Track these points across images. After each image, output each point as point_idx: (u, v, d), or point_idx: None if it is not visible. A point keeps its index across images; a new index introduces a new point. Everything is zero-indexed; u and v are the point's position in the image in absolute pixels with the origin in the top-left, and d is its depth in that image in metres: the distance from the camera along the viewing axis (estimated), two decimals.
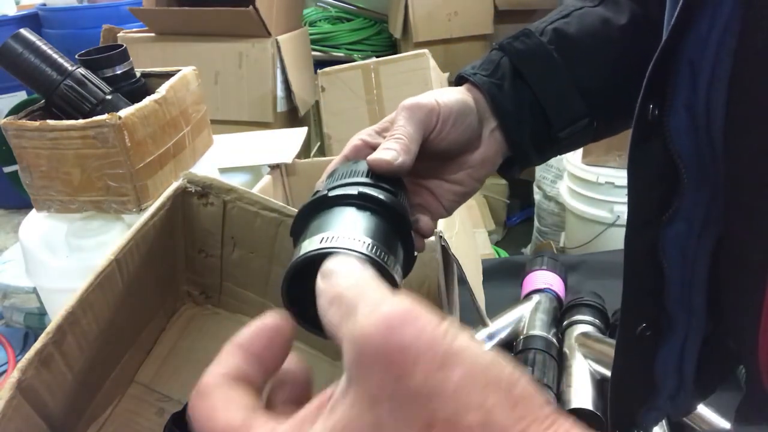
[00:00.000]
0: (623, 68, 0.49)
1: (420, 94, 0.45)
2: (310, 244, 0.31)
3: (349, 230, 0.32)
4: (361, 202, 0.35)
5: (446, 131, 0.45)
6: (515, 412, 0.19)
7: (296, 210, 0.57)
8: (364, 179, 0.38)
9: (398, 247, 0.35)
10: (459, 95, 0.47)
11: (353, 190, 0.35)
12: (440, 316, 0.20)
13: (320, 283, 0.23)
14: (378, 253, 0.31)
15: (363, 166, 0.40)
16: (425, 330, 0.19)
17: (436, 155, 0.46)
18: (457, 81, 0.51)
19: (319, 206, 0.35)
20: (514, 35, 0.51)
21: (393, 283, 0.31)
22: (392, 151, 0.40)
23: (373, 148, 0.44)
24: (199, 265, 0.64)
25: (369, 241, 0.31)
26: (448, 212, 0.48)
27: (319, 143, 2.02)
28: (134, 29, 1.85)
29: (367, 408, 0.20)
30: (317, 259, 0.29)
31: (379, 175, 0.39)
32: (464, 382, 0.19)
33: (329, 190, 0.36)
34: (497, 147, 0.49)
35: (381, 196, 0.35)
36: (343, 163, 0.43)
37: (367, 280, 0.22)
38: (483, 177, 0.49)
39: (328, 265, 0.24)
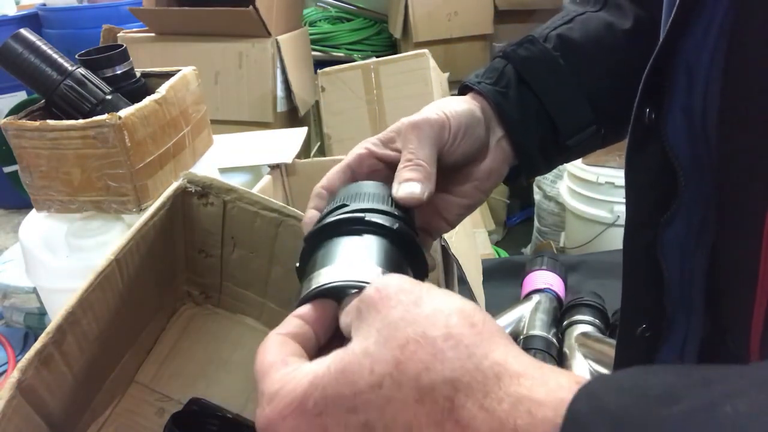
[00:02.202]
0: (629, 73, 0.48)
1: (424, 108, 0.43)
2: (320, 277, 0.32)
3: (360, 260, 0.32)
4: (371, 228, 0.34)
5: (456, 144, 0.43)
6: (473, 329, 0.26)
7: (297, 210, 0.57)
8: (374, 205, 0.37)
9: (408, 274, 0.34)
10: (466, 105, 0.45)
11: (363, 216, 0.35)
12: (420, 282, 0.28)
13: (340, 312, 0.31)
14: None
15: (369, 188, 0.39)
16: (404, 286, 0.28)
17: (445, 168, 0.44)
18: (461, 90, 0.50)
19: (328, 233, 0.35)
20: (517, 42, 0.50)
21: None
22: (417, 183, 0.39)
23: (379, 158, 0.43)
24: (199, 265, 0.64)
25: (379, 271, 0.32)
26: (451, 226, 0.47)
27: (319, 143, 2.02)
28: (134, 29, 1.85)
29: (361, 341, 0.27)
30: (331, 291, 0.31)
31: (393, 200, 0.38)
32: (432, 312, 0.26)
33: (339, 215, 0.35)
34: (504, 157, 0.48)
35: (389, 224, 0.35)
36: (342, 179, 0.42)
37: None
38: (489, 189, 0.47)
39: (345, 300, 0.31)
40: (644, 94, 0.41)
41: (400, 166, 0.40)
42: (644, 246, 0.45)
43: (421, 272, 0.36)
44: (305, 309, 0.32)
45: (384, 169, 0.43)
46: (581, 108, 0.49)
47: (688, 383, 0.21)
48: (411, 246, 0.35)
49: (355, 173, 0.43)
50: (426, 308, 0.26)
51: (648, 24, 0.50)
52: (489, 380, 0.24)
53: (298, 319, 0.32)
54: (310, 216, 0.41)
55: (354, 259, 0.33)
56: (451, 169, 0.45)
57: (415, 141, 0.41)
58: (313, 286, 0.32)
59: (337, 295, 0.32)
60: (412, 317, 0.26)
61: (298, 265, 0.36)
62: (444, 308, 0.26)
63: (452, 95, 0.50)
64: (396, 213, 0.36)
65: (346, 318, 0.30)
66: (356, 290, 0.31)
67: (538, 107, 0.48)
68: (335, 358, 0.27)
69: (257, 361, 0.30)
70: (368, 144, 0.44)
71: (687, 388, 0.21)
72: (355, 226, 0.35)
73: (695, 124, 0.40)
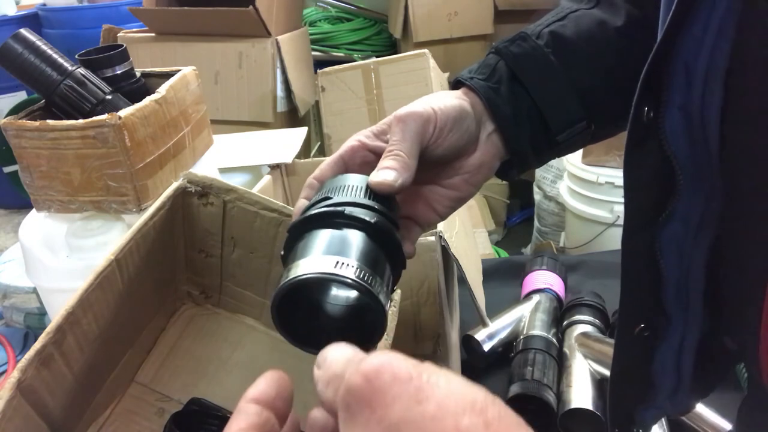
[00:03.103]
0: (620, 70, 0.49)
1: (415, 101, 0.44)
2: (297, 268, 0.32)
3: (336, 253, 0.33)
4: (349, 221, 0.35)
5: (443, 137, 0.44)
6: (488, 430, 0.21)
7: None
8: (355, 199, 0.38)
9: (385, 266, 0.36)
10: (456, 100, 0.46)
11: (343, 210, 0.36)
12: (415, 362, 0.23)
13: (316, 371, 0.27)
14: (364, 277, 0.32)
15: (353, 181, 0.40)
16: (399, 373, 0.23)
17: (432, 161, 0.45)
18: (454, 85, 0.51)
19: (309, 225, 0.36)
20: (510, 38, 0.51)
21: (378, 306, 0.33)
22: (392, 171, 0.40)
23: (370, 150, 0.44)
24: (199, 265, 0.64)
25: (355, 264, 0.32)
26: (441, 217, 0.48)
27: (319, 143, 2.02)
28: (134, 29, 1.85)
29: None
30: (307, 282, 0.31)
31: (375, 193, 0.39)
32: (438, 411, 0.21)
33: (320, 208, 0.36)
34: (494, 151, 0.48)
35: (368, 218, 0.36)
36: (334, 170, 0.43)
37: (351, 357, 0.26)
38: (479, 182, 0.48)
39: (321, 356, 0.27)
40: (642, 92, 0.41)
41: (383, 156, 0.42)
42: (643, 244, 0.45)
43: (398, 265, 0.37)
44: (260, 388, 0.28)
45: (375, 161, 0.43)
46: (571, 104, 0.49)
47: None
48: (389, 239, 0.36)
49: (347, 164, 0.44)
50: (430, 406, 0.22)
51: (640, 22, 0.50)
52: None
53: (254, 405, 0.28)
54: (299, 206, 0.42)
55: (331, 252, 0.33)
56: (439, 162, 0.46)
57: (399, 134, 0.42)
58: (290, 276, 0.32)
59: (314, 285, 0.33)
60: (413, 419, 0.22)
61: (282, 253, 0.37)
62: (451, 405, 0.22)
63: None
64: (376, 206, 0.37)
65: (326, 391, 0.26)
66: (339, 284, 0.31)
67: (529, 103, 0.48)
68: None
69: None
70: (360, 136, 0.45)
71: None
72: (336, 219, 0.36)
73: (694, 122, 0.40)
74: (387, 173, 0.40)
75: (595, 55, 0.50)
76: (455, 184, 0.47)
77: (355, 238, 0.34)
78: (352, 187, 0.39)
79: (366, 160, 0.44)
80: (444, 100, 0.45)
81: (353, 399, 0.23)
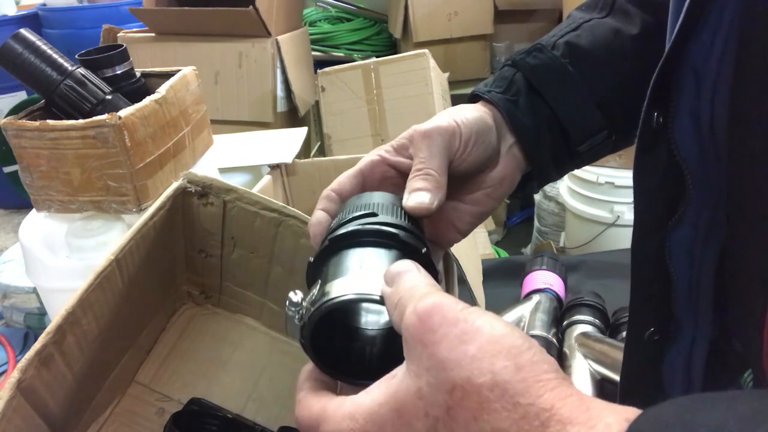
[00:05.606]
0: (639, 78, 0.48)
1: (435, 116, 0.43)
2: (333, 289, 0.32)
3: (374, 273, 0.32)
4: (381, 240, 0.35)
5: (468, 152, 0.43)
6: (519, 374, 0.24)
7: (297, 210, 0.57)
8: (389, 218, 0.37)
9: None
10: (476, 112, 0.46)
11: (378, 228, 0.35)
12: (464, 305, 0.27)
13: (385, 287, 0.30)
14: None
15: (386, 200, 0.39)
16: (447, 316, 0.26)
17: (457, 176, 0.44)
18: (470, 99, 0.50)
19: (339, 244, 0.35)
20: (525, 50, 0.50)
21: None
22: (427, 193, 0.39)
23: (391, 165, 0.43)
24: (199, 265, 0.64)
25: None
26: (463, 235, 0.47)
27: (319, 143, 2.02)
28: (134, 29, 1.85)
29: (413, 379, 0.26)
30: (339, 306, 0.31)
31: (405, 212, 0.38)
32: (478, 353, 0.25)
33: (354, 227, 0.35)
34: (516, 164, 0.48)
35: (404, 237, 0.35)
36: (353, 183, 0.42)
37: (417, 284, 0.29)
38: (501, 196, 0.47)
39: (390, 272, 0.31)
40: (652, 98, 0.41)
41: (411, 175, 0.40)
42: (652, 249, 0.45)
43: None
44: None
45: (396, 177, 0.43)
46: (592, 114, 0.49)
47: (739, 419, 0.21)
48: (423, 260, 0.35)
49: (366, 179, 0.43)
50: (471, 347, 0.25)
51: (655, 28, 0.50)
52: (535, 430, 0.24)
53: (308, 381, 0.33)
54: (318, 218, 0.41)
55: (367, 272, 0.32)
56: (462, 177, 0.45)
57: (425, 150, 0.41)
58: (326, 298, 0.31)
59: (350, 307, 0.33)
60: (457, 358, 0.25)
61: (306, 276, 0.36)
62: (489, 348, 0.25)
63: (454, 95, 0.50)
64: (407, 226, 0.36)
65: (393, 312, 0.29)
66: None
67: (549, 114, 0.48)
68: (388, 393, 0.27)
69: (304, 416, 0.31)
70: (381, 151, 0.43)
71: (739, 426, 0.20)
72: (369, 238, 0.35)
73: (703, 127, 0.40)
74: (422, 195, 0.38)
75: (613, 63, 0.49)
76: (478, 199, 0.46)
77: (391, 258, 0.34)
78: (382, 205, 0.38)
79: (386, 175, 0.43)
80: (464, 113, 0.44)
81: (409, 335, 0.27)
